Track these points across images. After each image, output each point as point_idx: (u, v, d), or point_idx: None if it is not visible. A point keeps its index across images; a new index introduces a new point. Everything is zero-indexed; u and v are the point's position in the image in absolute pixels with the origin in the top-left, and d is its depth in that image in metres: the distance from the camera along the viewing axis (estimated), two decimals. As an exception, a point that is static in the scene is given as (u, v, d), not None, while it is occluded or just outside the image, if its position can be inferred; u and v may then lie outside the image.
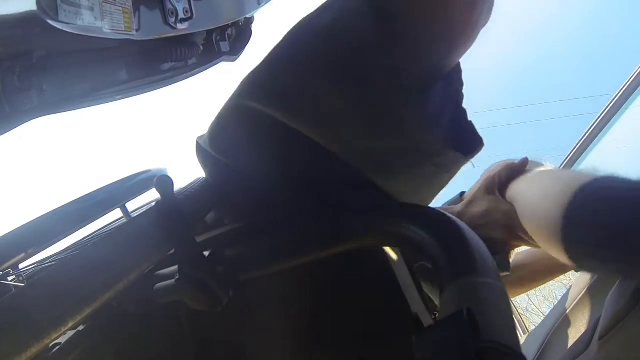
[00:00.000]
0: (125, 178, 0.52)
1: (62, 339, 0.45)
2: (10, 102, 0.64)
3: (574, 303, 0.88)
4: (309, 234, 0.43)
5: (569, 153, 1.83)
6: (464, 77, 0.49)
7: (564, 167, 1.79)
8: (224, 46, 0.96)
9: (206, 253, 0.45)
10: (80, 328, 0.46)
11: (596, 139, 1.80)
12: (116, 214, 0.52)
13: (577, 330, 0.84)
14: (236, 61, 1.04)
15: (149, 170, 0.55)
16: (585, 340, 0.76)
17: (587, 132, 1.80)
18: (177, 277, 0.44)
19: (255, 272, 0.47)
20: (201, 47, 0.90)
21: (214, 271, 0.44)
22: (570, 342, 0.83)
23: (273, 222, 0.49)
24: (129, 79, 0.79)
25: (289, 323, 0.52)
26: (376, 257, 0.48)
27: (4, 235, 0.41)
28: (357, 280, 0.49)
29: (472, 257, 0.29)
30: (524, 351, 0.24)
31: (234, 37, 1.00)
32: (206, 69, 0.95)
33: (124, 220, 0.48)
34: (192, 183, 0.56)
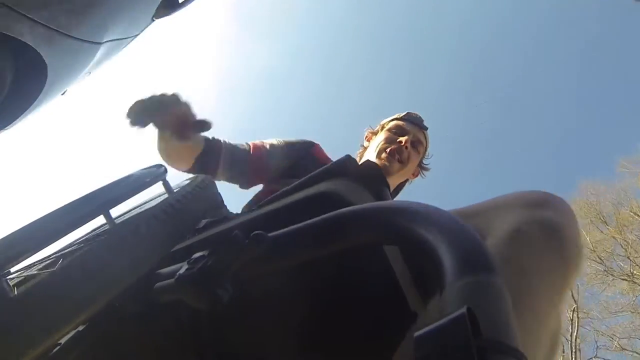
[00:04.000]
0: (125, 177, 0.52)
1: (62, 339, 0.45)
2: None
3: None
4: (310, 233, 0.42)
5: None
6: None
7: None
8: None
9: (206, 252, 0.45)
10: (80, 328, 0.46)
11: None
12: (115, 213, 0.52)
13: None
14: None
15: (147, 169, 0.55)
16: None
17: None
18: (177, 276, 0.43)
19: (255, 271, 0.47)
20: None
21: (215, 270, 0.43)
22: None
23: (272, 221, 0.48)
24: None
25: (289, 322, 0.52)
26: (376, 256, 0.48)
27: (1, 239, 0.41)
28: (357, 279, 0.49)
29: (473, 256, 0.29)
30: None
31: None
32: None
33: (123, 220, 0.48)
34: (192, 181, 0.55)
